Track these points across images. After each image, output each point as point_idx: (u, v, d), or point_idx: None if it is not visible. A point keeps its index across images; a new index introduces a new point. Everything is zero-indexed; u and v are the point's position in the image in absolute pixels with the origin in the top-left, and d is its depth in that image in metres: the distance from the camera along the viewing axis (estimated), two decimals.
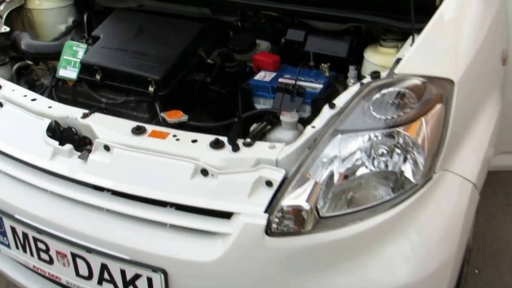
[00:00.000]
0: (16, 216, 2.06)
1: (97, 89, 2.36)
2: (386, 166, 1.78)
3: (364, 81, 1.95)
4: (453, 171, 1.93)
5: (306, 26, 2.40)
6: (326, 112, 1.88)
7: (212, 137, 1.93)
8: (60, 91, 2.46)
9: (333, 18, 2.28)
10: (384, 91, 1.84)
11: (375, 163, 1.79)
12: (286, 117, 1.99)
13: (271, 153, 1.84)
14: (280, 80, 2.19)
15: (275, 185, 1.78)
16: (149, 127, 2.01)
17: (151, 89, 2.22)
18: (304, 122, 2.02)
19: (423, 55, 1.97)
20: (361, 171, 1.78)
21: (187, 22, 2.46)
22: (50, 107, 2.17)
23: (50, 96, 2.40)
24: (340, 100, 1.90)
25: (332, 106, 1.89)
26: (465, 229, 1.97)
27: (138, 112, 2.29)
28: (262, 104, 2.22)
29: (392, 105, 1.83)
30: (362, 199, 1.79)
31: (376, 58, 2.21)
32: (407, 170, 1.79)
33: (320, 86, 2.14)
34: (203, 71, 2.37)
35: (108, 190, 1.94)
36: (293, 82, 2.15)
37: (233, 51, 2.40)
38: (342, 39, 2.32)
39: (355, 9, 2.23)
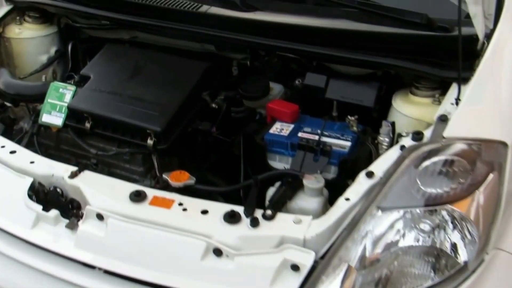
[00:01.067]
0: None
1: (84, 137, 2.06)
2: (428, 242, 1.52)
3: (405, 142, 1.67)
4: (505, 249, 1.65)
5: (326, 68, 2.12)
6: (364, 183, 1.60)
7: (225, 207, 1.64)
8: (42, 137, 2.15)
9: (361, 63, 2.00)
10: (433, 159, 1.57)
11: (416, 238, 1.53)
12: (311, 182, 1.70)
13: (297, 230, 1.56)
14: (300, 134, 1.90)
15: (304, 271, 1.50)
16: (150, 192, 1.72)
17: (150, 142, 1.92)
18: (329, 185, 1.74)
19: (472, 113, 1.70)
20: (398, 245, 1.52)
21: (189, 61, 2.17)
22: (32, 162, 1.86)
23: (31, 143, 2.10)
24: (378, 167, 1.63)
25: (370, 175, 1.61)
26: None
27: (132, 164, 2.01)
28: (278, 162, 1.92)
29: (442, 176, 1.56)
30: (399, 277, 1.51)
31: (408, 108, 1.94)
32: (459, 250, 1.53)
33: (348, 143, 1.85)
34: (205, 117, 2.09)
35: (100, 268, 1.63)
36: (316, 137, 1.87)
37: (243, 97, 2.10)
38: (369, 85, 2.04)
39: (385, 53, 1.95)
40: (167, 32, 2.25)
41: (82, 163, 1.89)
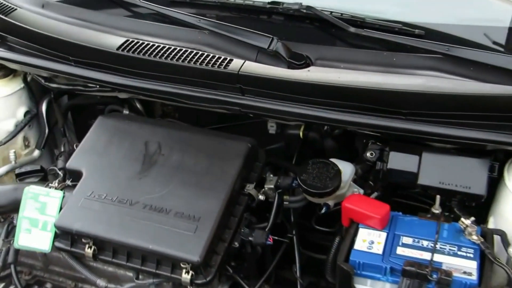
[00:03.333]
0: None
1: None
2: None
3: None
4: None
5: (411, 143, 1.55)
6: None
7: None
8: (23, 255, 1.59)
9: (466, 142, 1.44)
10: None
11: None
12: None
13: None
14: (400, 251, 1.35)
15: None
16: None
17: (186, 276, 1.35)
18: None
19: None
20: None
21: (223, 141, 1.58)
22: None
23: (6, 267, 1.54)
24: None
25: None
26: None
27: None
28: (369, 287, 1.37)
29: None
30: None
31: None
32: None
33: (473, 264, 1.30)
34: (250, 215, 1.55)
35: None
36: (423, 255, 1.33)
37: (305, 192, 1.52)
38: (476, 165, 1.48)
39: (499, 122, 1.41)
40: (183, 101, 1.63)
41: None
